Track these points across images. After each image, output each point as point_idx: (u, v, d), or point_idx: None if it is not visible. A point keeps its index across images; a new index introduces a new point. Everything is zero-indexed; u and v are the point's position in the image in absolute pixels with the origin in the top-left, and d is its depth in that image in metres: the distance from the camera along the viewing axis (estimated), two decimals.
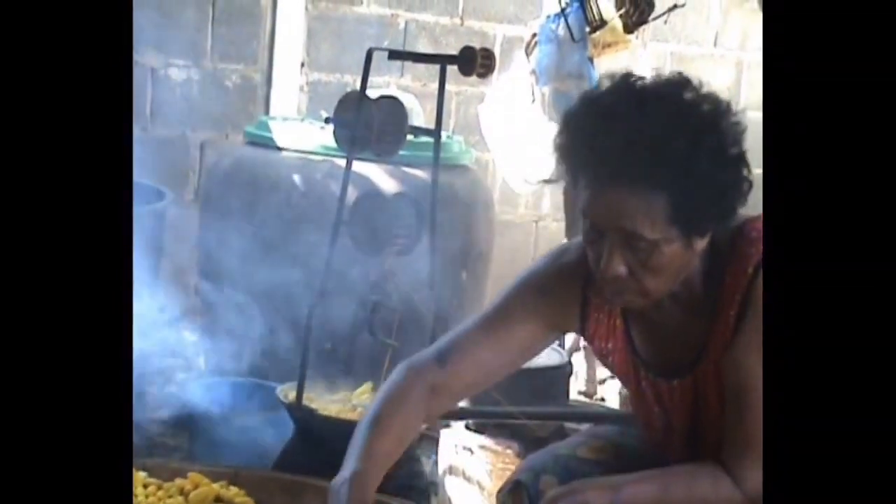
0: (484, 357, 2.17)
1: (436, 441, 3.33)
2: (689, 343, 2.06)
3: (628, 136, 1.86)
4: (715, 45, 6.04)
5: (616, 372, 2.23)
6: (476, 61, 3.19)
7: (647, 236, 1.89)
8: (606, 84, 1.96)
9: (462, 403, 3.30)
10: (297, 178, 3.92)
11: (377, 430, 2.09)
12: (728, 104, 1.94)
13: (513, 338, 2.17)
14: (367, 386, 3.31)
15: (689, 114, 1.88)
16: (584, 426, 3.31)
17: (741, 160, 1.91)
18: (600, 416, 3.37)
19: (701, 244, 1.95)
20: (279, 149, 4.04)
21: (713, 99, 1.92)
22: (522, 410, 3.18)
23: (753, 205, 1.94)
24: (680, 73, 1.97)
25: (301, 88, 5.09)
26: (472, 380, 2.20)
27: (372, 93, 3.28)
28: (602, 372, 4.94)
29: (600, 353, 2.21)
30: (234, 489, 2.63)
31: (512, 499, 2.24)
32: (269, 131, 4.10)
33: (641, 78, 1.95)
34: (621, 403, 4.03)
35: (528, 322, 2.17)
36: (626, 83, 1.94)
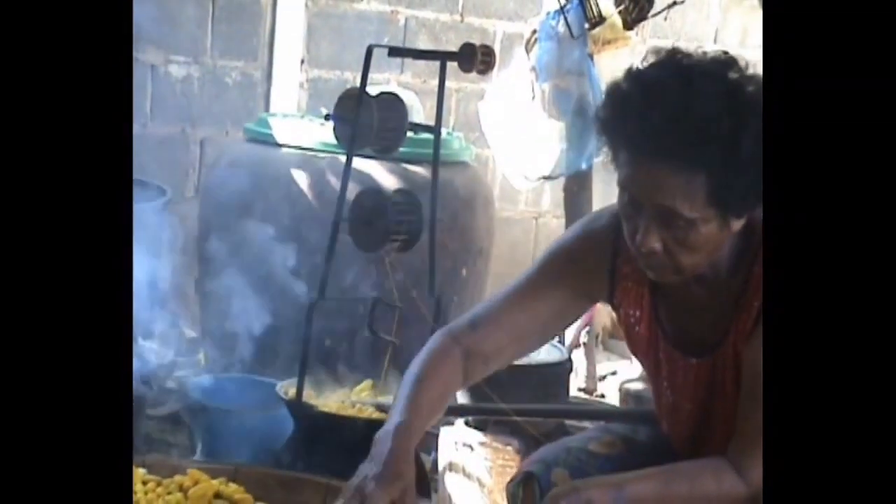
0: (514, 322, 2.20)
1: (435, 438, 3.33)
2: (713, 325, 2.07)
3: (673, 113, 1.86)
4: (714, 41, 6.04)
5: (638, 343, 2.22)
6: (476, 58, 3.19)
7: (686, 214, 1.90)
8: (652, 59, 1.96)
9: (462, 399, 3.30)
10: (297, 174, 3.91)
11: (420, 386, 2.14)
12: None
13: (542, 304, 2.20)
14: (367, 383, 3.31)
15: (734, 94, 1.87)
16: (585, 423, 3.32)
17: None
18: (603, 414, 3.37)
19: (737, 225, 1.95)
20: (279, 145, 4.03)
21: (757, 80, 1.90)
22: (523, 408, 3.19)
23: None
24: (726, 52, 1.95)
25: (301, 85, 5.09)
26: (502, 344, 2.22)
27: (372, 90, 3.28)
28: (602, 368, 4.95)
29: (626, 322, 2.20)
30: (233, 486, 2.63)
31: (522, 490, 2.24)
32: (269, 128, 4.10)
33: (688, 55, 1.94)
34: (621, 400, 4.03)
35: (558, 289, 2.19)
36: (672, 59, 1.94)
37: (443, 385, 2.20)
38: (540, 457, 2.29)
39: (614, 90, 1.97)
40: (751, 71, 1.93)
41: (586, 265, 2.18)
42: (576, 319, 2.37)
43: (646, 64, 1.96)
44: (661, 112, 1.87)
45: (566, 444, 2.32)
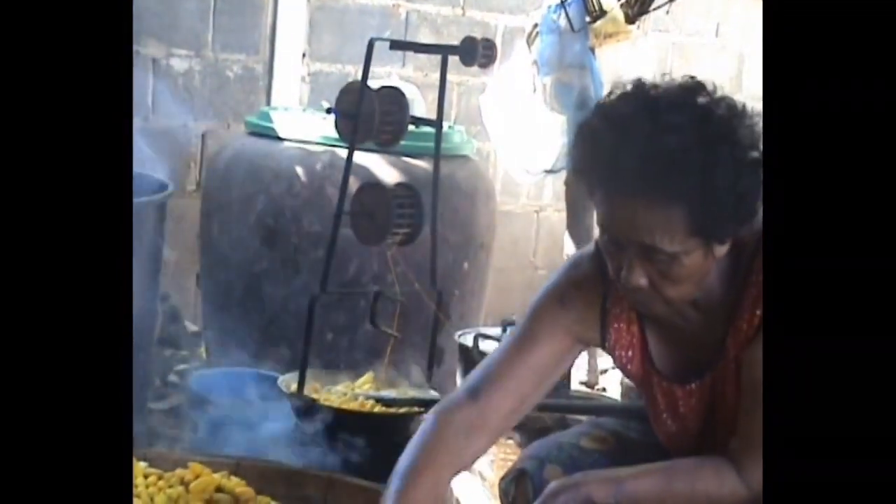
0: (518, 379, 2.13)
1: None
2: (707, 344, 2.05)
3: (643, 150, 1.83)
4: (716, 35, 6.04)
5: (634, 379, 2.20)
6: (477, 52, 3.19)
7: (667, 249, 1.87)
8: (618, 92, 1.93)
9: None
10: (298, 168, 3.91)
11: (411, 479, 2.06)
12: (743, 107, 1.91)
13: (542, 355, 2.14)
14: (368, 376, 3.32)
15: (704, 121, 1.84)
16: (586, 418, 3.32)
17: (759, 164, 1.85)
18: (604, 408, 3.37)
19: (722, 250, 1.92)
20: (280, 139, 4.04)
21: (728, 103, 1.89)
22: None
23: None
24: (693, 78, 1.93)
25: (303, 79, 5.08)
26: (509, 408, 2.14)
27: (373, 83, 3.28)
28: (603, 362, 4.95)
29: (620, 363, 2.18)
30: (235, 479, 2.63)
31: (515, 487, 2.24)
32: (271, 122, 4.10)
33: (654, 85, 1.91)
34: (622, 394, 4.03)
35: (555, 336, 2.15)
36: (639, 91, 1.91)
37: (437, 476, 2.10)
38: (532, 453, 2.28)
39: (583, 130, 1.94)
40: (719, 93, 1.90)
41: (577, 311, 2.14)
42: (569, 367, 2.32)
43: (612, 97, 1.93)
44: (630, 149, 1.84)
45: (557, 440, 2.32)
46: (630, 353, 2.15)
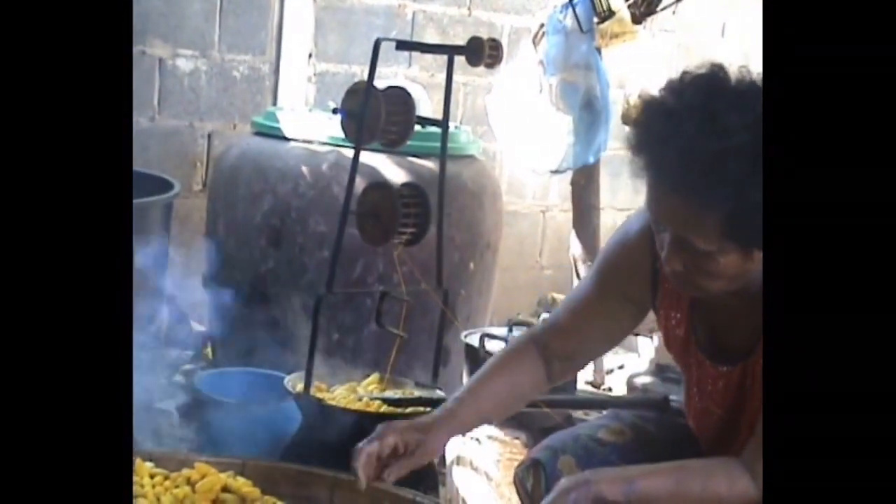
0: (583, 329, 2.30)
1: None
2: (745, 334, 2.06)
3: (690, 148, 1.84)
4: (722, 35, 6.03)
5: (673, 345, 2.24)
6: (484, 52, 3.18)
7: (700, 247, 1.89)
8: (689, 78, 1.93)
9: None
10: (304, 168, 3.91)
11: (483, 379, 2.28)
12: None
13: (601, 314, 2.28)
14: (374, 377, 3.31)
15: (755, 129, 1.79)
16: (593, 414, 3.32)
17: None
18: (611, 404, 3.36)
19: (761, 255, 1.90)
20: (287, 139, 4.04)
21: None
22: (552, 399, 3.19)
23: None
24: (755, 83, 1.91)
25: (309, 79, 5.09)
26: (576, 348, 2.32)
27: (380, 83, 3.28)
28: (609, 362, 4.95)
29: (666, 324, 2.22)
30: (241, 479, 2.63)
31: (531, 476, 2.24)
32: (277, 122, 4.10)
33: (725, 79, 1.91)
34: (628, 394, 4.03)
35: (610, 299, 2.26)
36: (710, 79, 1.91)
37: (511, 381, 2.28)
38: (548, 444, 2.30)
39: (650, 106, 1.97)
40: None
41: (630, 272, 2.22)
42: (632, 328, 2.36)
43: (683, 82, 1.93)
44: (679, 144, 1.85)
45: (576, 432, 2.33)
46: (678, 315, 2.19)
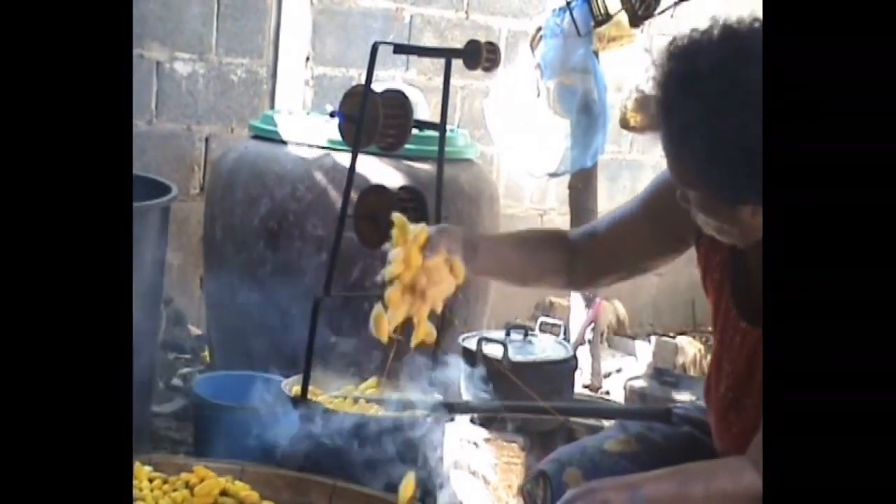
0: (618, 241, 2.36)
1: (441, 435, 3.33)
2: None
3: (693, 117, 1.89)
4: None
5: (710, 287, 2.25)
6: (481, 55, 3.18)
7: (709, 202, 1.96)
8: (719, 29, 1.97)
9: (468, 397, 3.30)
10: (302, 171, 3.91)
11: (510, 235, 2.48)
12: None
13: (641, 235, 2.32)
14: (372, 381, 3.31)
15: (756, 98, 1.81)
16: (590, 421, 3.32)
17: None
18: (612, 413, 3.37)
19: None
20: (284, 142, 4.04)
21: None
22: (566, 406, 3.19)
23: None
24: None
25: (306, 82, 5.09)
26: (606, 258, 2.39)
27: (377, 87, 3.28)
28: (606, 365, 4.95)
29: (706, 263, 2.23)
30: (239, 484, 2.63)
31: (540, 487, 2.24)
32: (275, 125, 4.10)
33: (747, 37, 1.93)
34: (625, 398, 4.03)
35: (654, 225, 2.29)
36: (731, 37, 1.94)
37: (531, 251, 2.39)
38: (554, 456, 2.30)
39: (674, 57, 1.98)
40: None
41: (678, 209, 2.18)
42: (666, 262, 2.40)
43: (712, 35, 1.97)
44: (686, 114, 1.89)
45: (582, 444, 2.34)
46: (718, 258, 2.19)
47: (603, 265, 2.41)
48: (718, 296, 2.21)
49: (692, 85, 1.90)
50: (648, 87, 1.96)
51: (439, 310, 2.22)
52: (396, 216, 2.20)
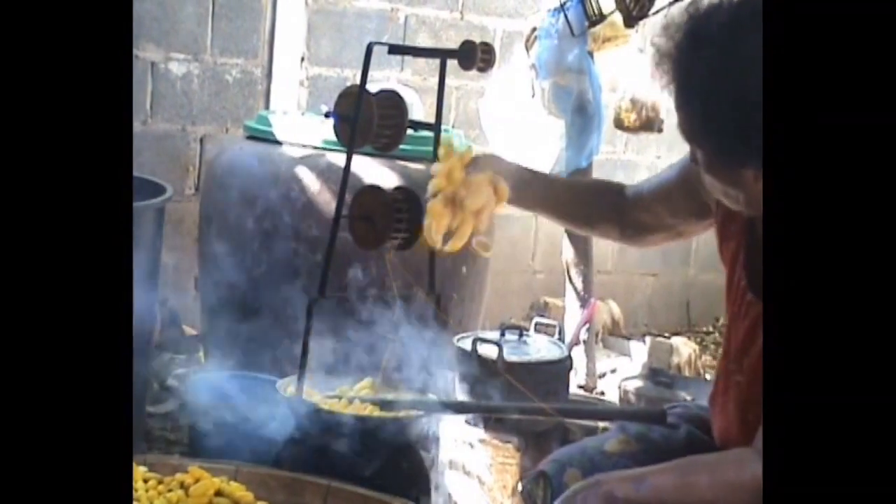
0: (660, 206, 2.43)
1: (436, 435, 3.33)
2: None
3: (700, 74, 1.93)
4: None
5: (725, 255, 2.27)
6: (476, 56, 3.18)
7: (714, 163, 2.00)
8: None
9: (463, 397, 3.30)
10: (296, 172, 3.91)
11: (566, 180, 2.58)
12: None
13: (676, 200, 2.39)
14: (367, 381, 3.31)
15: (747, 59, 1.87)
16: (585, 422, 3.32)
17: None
18: (606, 414, 3.37)
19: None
20: (279, 143, 4.03)
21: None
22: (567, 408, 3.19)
23: None
24: None
25: (301, 83, 5.09)
26: (649, 218, 2.45)
27: (372, 87, 3.28)
28: (601, 366, 4.95)
29: (723, 231, 2.26)
30: (234, 484, 2.63)
31: (540, 488, 2.25)
32: (270, 125, 4.10)
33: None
34: (620, 398, 4.03)
35: (685, 192, 2.34)
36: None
37: (588, 192, 2.55)
38: (554, 457, 2.32)
39: (685, 17, 2.01)
40: None
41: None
42: (698, 230, 2.46)
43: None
44: (695, 69, 1.94)
45: (582, 445, 2.35)
46: (734, 227, 2.22)
47: (649, 224, 2.47)
48: (732, 266, 2.22)
49: (703, 42, 1.93)
50: (662, 43, 2.02)
51: (483, 227, 2.41)
52: (444, 136, 2.39)
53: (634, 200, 2.48)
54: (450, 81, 3.31)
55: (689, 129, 2.00)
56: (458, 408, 3.18)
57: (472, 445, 3.22)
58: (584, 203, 2.52)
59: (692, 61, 1.95)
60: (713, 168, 2.00)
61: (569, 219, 2.61)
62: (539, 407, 2.96)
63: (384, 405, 3.11)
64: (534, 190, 2.43)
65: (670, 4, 4.46)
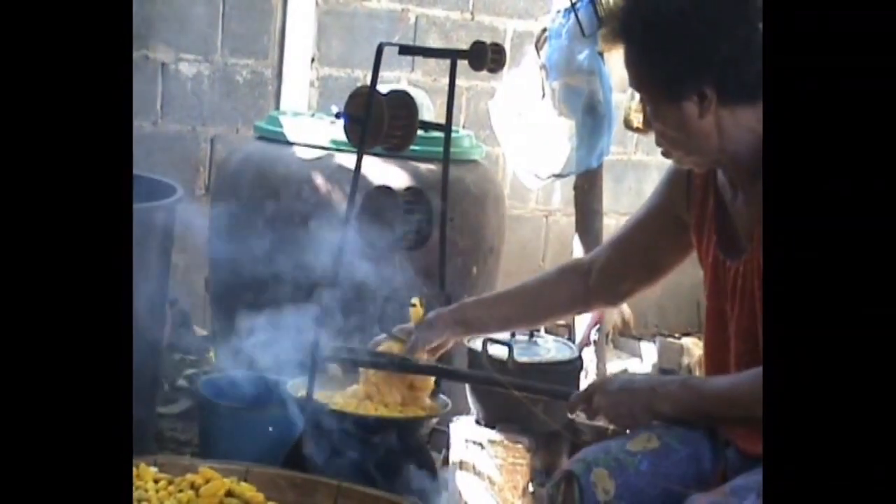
0: (630, 244, 2.54)
1: (446, 435, 3.33)
2: (747, 230, 2.20)
3: (636, 9, 2.14)
4: None
5: (700, 248, 2.37)
6: (486, 56, 3.18)
7: (657, 105, 2.15)
8: None
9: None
10: (307, 172, 3.91)
11: (503, 291, 2.76)
12: None
13: (650, 229, 2.49)
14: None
15: None
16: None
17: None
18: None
19: (692, 109, 2.09)
20: (289, 144, 4.04)
21: None
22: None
23: None
24: None
25: (311, 83, 5.09)
26: (621, 264, 2.55)
27: (382, 88, 3.28)
28: (612, 366, 4.94)
29: (697, 228, 2.35)
30: (245, 485, 2.63)
31: (564, 489, 2.25)
32: (280, 126, 4.10)
33: None
34: None
35: (658, 214, 2.47)
36: None
37: (544, 287, 2.66)
38: (581, 457, 2.34)
39: None
40: None
41: (672, 190, 2.41)
42: (676, 258, 2.55)
43: None
44: (631, 7, 2.16)
45: (607, 446, 2.36)
46: (703, 212, 2.31)
47: (619, 271, 2.57)
48: (705, 251, 2.32)
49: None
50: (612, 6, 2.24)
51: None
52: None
53: (597, 259, 2.63)
54: (460, 82, 3.32)
55: (633, 70, 2.15)
56: (457, 375, 3.18)
57: (482, 446, 3.22)
58: (538, 298, 2.69)
59: (632, 17, 2.12)
60: (657, 112, 2.14)
61: (532, 317, 2.78)
62: (494, 378, 2.90)
63: (408, 367, 3.01)
64: (482, 325, 2.71)
65: None
